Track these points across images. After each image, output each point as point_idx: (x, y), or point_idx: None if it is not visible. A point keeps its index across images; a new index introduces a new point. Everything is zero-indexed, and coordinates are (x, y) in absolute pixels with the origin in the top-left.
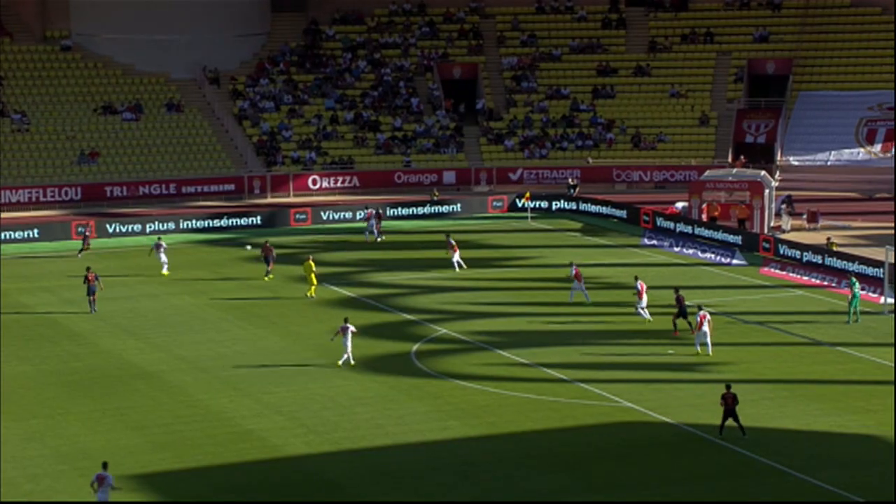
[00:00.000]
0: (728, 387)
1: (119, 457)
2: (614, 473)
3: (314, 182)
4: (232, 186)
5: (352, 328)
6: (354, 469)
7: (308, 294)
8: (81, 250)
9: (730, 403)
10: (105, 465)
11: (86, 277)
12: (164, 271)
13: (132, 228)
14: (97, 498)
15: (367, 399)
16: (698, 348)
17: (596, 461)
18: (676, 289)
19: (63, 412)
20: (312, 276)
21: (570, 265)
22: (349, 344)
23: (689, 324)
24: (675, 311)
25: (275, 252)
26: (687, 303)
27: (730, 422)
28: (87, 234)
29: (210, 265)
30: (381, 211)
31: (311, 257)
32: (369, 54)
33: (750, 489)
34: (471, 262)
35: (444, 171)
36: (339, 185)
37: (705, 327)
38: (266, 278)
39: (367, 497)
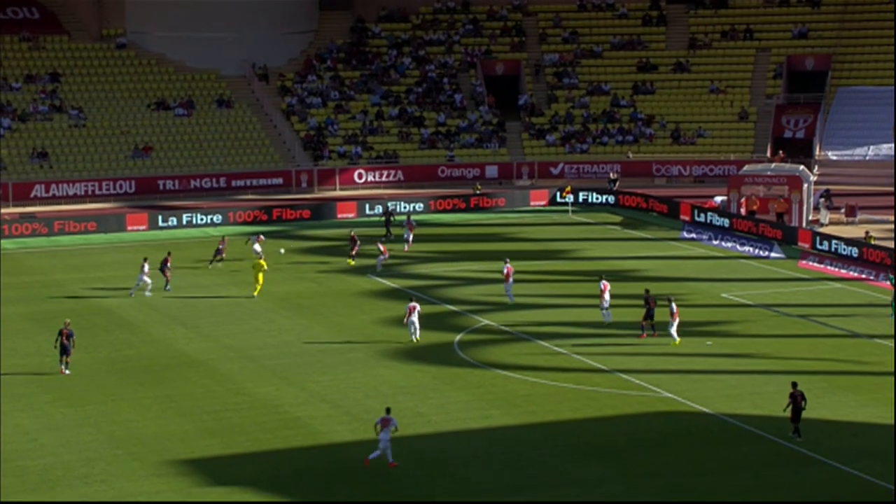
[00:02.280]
0: (794, 385)
1: (169, 442)
2: (652, 462)
3: (360, 176)
4: (280, 180)
5: (418, 308)
6: (397, 456)
7: (253, 294)
8: (213, 261)
9: (799, 401)
10: (388, 410)
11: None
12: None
13: (184, 220)
14: (379, 438)
15: (409, 388)
16: (675, 339)
17: (634, 450)
18: (647, 290)
19: (116, 398)
20: (260, 276)
21: (505, 261)
22: (416, 324)
23: (652, 326)
24: (644, 310)
25: (358, 242)
26: (673, 295)
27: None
28: (221, 246)
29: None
30: (389, 207)
31: (262, 258)
32: (414, 51)
33: (786, 478)
34: (512, 255)
35: (486, 166)
36: (384, 179)
37: (676, 320)
38: (350, 262)
39: (409, 484)
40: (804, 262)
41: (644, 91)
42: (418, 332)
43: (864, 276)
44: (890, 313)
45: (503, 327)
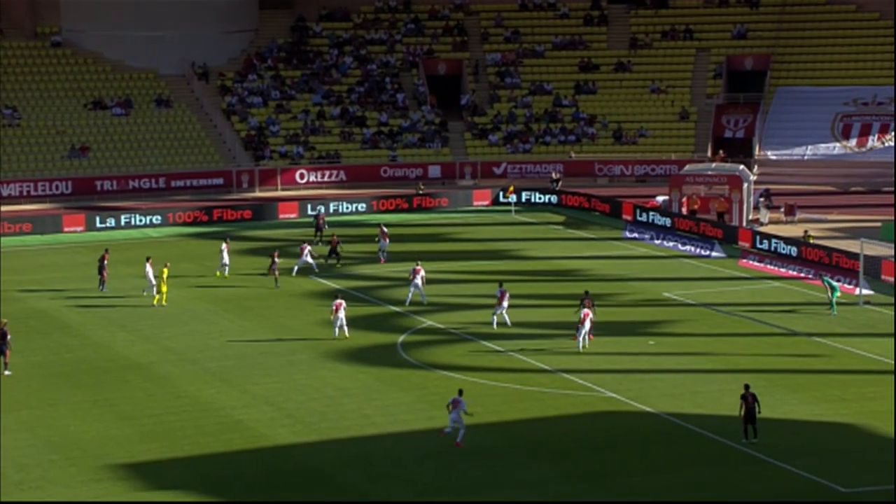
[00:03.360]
0: (747, 387)
1: (108, 447)
2: (596, 463)
3: (301, 176)
4: (220, 181)
5: (344, 304)
6: (341, 458)
7: (157, 302)
8: (269, 273)
9: (750, 403)
10: (461, 392)
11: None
12: (223, 273)
13: (122, 221)
14: (450, 418)
15: (353, 390)
16: (580, 344)
17: (578, 450)
18: (586, 292)
19: (53, 403)
20: (163, 283)
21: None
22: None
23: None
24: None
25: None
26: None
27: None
28: (275, 262)
29: (198, 258)
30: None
31: (168, 264)
32: (355, 50)
33: (729, 477)
34: (456, 256)
35: (429, 166)
36: (326, 179)
37: (587, 324)
38: (337, 266)
39: (353, 486)
40: (744, 261)
41: (586, 91)
42: (346, 329)
43: (802, 274)
44: (831, 311)
45: (447, 328)
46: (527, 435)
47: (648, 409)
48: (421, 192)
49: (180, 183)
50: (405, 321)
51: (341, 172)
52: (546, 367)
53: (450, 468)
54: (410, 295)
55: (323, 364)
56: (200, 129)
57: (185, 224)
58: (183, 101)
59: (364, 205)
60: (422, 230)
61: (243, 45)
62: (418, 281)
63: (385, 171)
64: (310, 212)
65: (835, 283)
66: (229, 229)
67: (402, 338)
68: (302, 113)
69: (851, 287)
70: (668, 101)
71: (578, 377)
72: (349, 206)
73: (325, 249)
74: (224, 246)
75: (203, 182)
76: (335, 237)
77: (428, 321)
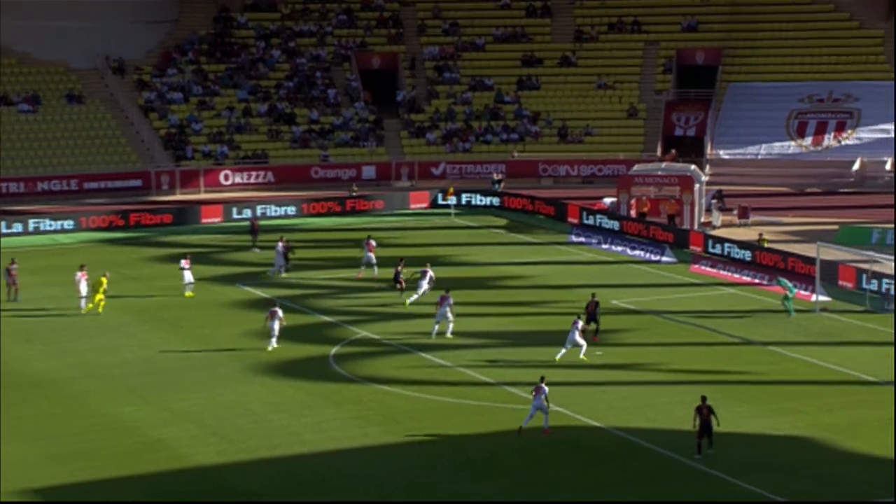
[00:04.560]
0: (703, 399)
1: (15, 470)
2: (542, 479)
3: (226, 177)
4: (138, 182)
5: (279, 313)
6: (269, 479)
7: (96, 310)
8: (396, 287)
9: (706, 416)
10: (542, 378)
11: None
12: (188, 293)
13: (31, 226)
14: (532, 406)
15: (282, 405)
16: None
17: (522, 468)
18: (593, 293)
19: None
20: (101, 293)
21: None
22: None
23: (597, 330)
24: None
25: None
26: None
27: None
28: (400, 268)
29: (114, 266)
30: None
31: (107, 273)
32: (283, 43)
33: (680, 495)
34: (392, 262)
35: (363, 166)
36: (252, 180)
37: (446, 308)
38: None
39: None
40: (696, 266)
41: (529, 86)
42: (275, 339)
43: (757, 280)
44: (787, 310)
45: (382, 339)
46: (467, 452)
47: (596, 423)
48: (354, 194)
49: (94, 185)
50: (337, 332)
51: (269, 173)
52: (488, 380)
53: (385, 487)
54: (437, 326)
55: (249, 378)
56: (116, 127)
57: (99, 229)
58: (96, 96)
59: (293, 208)
60: (355, 235)
61: (161, 36)
62: (446, 309)
63: (316, 172)
64: (237, 215)
65: (791, 285)
66: (147, 234)
67: (334, 349)
68: (226, 110)
69: (808, 293)
70: (616, 98)
71: (522, 390)
72: (278, 209)
73: (264, 256)
74: (184, 262)
75: (119, 184)
76: (288, 242)
77: (362, 332)
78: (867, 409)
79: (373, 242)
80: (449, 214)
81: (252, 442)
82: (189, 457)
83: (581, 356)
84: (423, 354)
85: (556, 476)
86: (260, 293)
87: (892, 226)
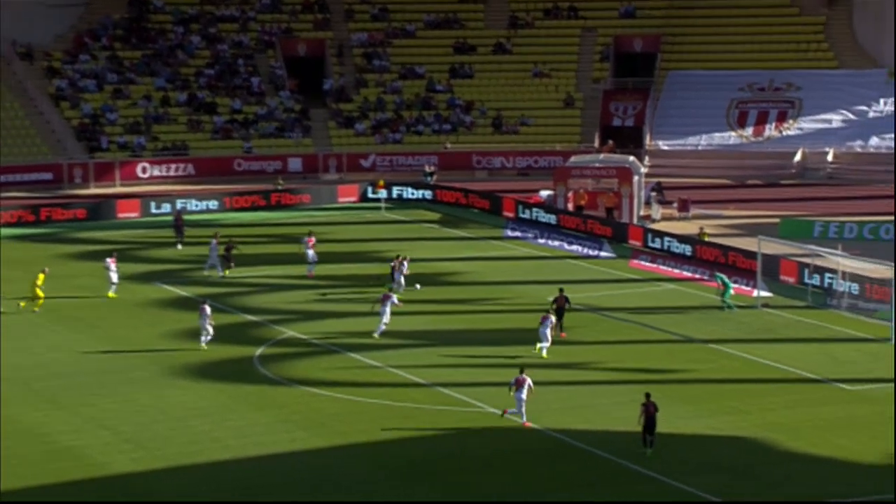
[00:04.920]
0: (648, 396)
1: None
2: (477, 484)
3: (143, 170)
4: (49, 175)
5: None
6: (189, 487)
7: (33, 307)
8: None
9: (651, 412)
10: (522, 370)
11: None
12: (111, 293)
13: None
14: (514, 397)
15: (203, 410)
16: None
17: (457, 472)
18: (561, 288)
19: None
20: (38, 290)
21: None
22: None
23: (560, 326)
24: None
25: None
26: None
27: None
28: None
29: (24, 264)
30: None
31: (46, 270)
32: (203, 28)
33: (619, 497)
34: (320, 258)
35: (288, 158)
36: (171, 173)
37: (387, 308)
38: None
39: None
40: (635, 261)
41: (462, 75)
42: (208, 337)
43: (697, 275)
44: (727, 306)
45: (309, 339)
46: (399, 456)
47: (534, 425)
48: (280, 187)
49: (2, 178)
50: (262, 332)
51: (189, 166)
52: (420, 381)
53: (314, 494)
54: (383, 326)
55: (168, 381)
56: (24, 117)
57: (7, 225)
58: (2, 84)
59: (215, 202)
60: (281, 230)
61: (72, 20)
62: (387, 308)
63: (239, 165)
64: (155, 210)
65: (728, 281)
66: (59, 230)
67: (259, 350)
68: (143, 99)
69: (749, 289)
70: (552, 87)
71: (456, 391)
72: (199, 203)
73: (186, 253)
74: (110, 261)
75: (29, 177)
76: (231, 239)
77: (289, 331)
78: (810, 407)
79: (313, 238)
80: (379, 208)
81: (170, 449)
82: (102, 465)
83: (543, 353)
84: (353, 355)
85: (492, 480)
86: (180, 291)
87: (834, 219)
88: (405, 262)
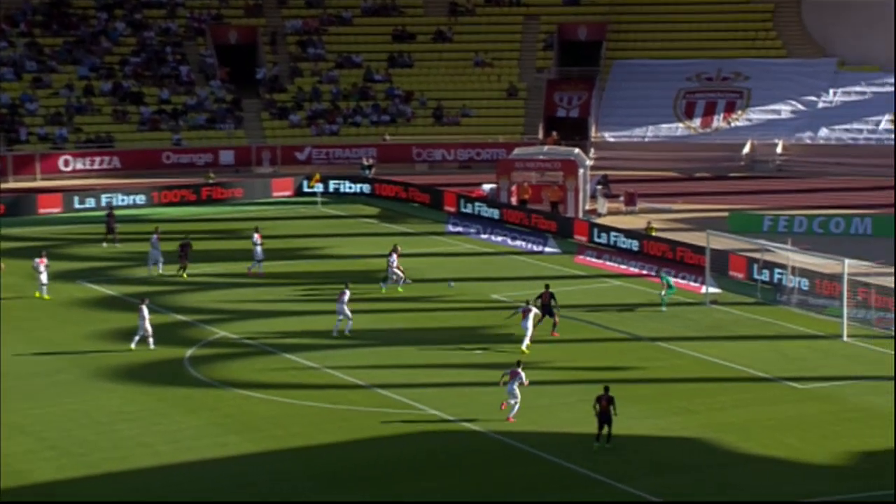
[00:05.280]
0: (606, 389)
1: None
2: (417, 489)
3: (66, 163)
4: None
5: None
6: (116, 495)
7: None
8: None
9: (604, 406)
10: (519, 363)
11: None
12: (41, 293)
13: None
14: (506, 390)
15: (131, 414)
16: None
17: (397, 477)
18: (546, 284)
19: None
20: None
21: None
22: (347, 312)
23: (554, 324)
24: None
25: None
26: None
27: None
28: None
29: None
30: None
31: (1, 265)
32: (129, 14)
33: (564, 501)
34: (248, 254)
35: (220, 151)
36: (96, 166)
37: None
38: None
39: None
40: (581, 257)
41: (401, 64)
42: (150, 339)
43: (645, 271)
44: (662, 305)
45: (242, 339)
46: (336, 461)
47: (476, 427)
48: (211, 181)
49: None
50: (193, 332)
51: (115, 159)
52: (358, 382)
53: (247, 500)
54: (338, 324)
55: (95, 384)
56: None
57: None
58: None
59: (143, 197)
60: (212, 226)
61: None
62: (343, 305)
63: (168, 158)
64: (79, 205)
65: (671, 281)
66: None
67: (189, 352)
68: (65, 88)
69: (697, 285)
70: (494, 76)
71: (396, 393)
72: (125, 198)
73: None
74: (39, 261)
75: None
76: (186, 237)
77: (221, 331)
78: (760, 406)
79: (260, 234)
80: (315, 203)
81: (96, 455)
82: (24, 473)
83: (523, 347)
84: (288, 355)
85: (434, 486)
86: (106, 290)
87: (784, 213)
88: (394, 255)
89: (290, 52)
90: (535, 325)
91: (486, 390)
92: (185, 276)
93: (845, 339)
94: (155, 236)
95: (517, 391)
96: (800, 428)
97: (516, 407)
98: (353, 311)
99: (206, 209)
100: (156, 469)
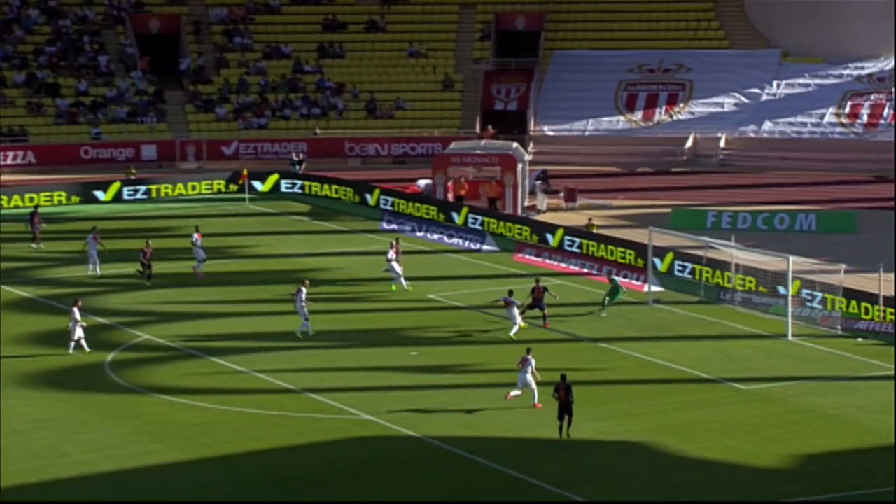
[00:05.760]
0: (563, 377)
1: None
2: (351, 497)
3: None
4: None
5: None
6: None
7: None
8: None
9: (563, 396)
10: (529, 350)
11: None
12: None
13: None
14: (518, 378)
15: (48, 422)
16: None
17: (330, 484)
18: (538, 279)
19: None
20: None
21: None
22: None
23: (545, 317)
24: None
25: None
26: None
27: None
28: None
29: None
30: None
31: None
32: (43, 1)
33: None
34: (177, 254)
35: (142, 145)
36: (10, 161)
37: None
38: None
39: None
40: (520, 255)
41: (332, 54)
42: (82, 341)
43: (586, 270)
44: (603, 309)
45: (166, 342)
46: (266, 468)
47: (412, 433)
48: (132, 177)
49: None
50: (114, 335)
51: (29, 153)
52: (289, 387)
53: None
54: (306, 323)
55: (9, 391)
56: None
57: None
58: None
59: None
60: (134, 224)
61: None
62: (301, 304)
63: (86, 152)
64: None
65: (619, 284)
66: None
67: (110, 356)
68: None
69: (639, 284)
70: (430, 67)
71: (328, 397)
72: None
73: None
74: None
75: None
76: (148, 244)
77: (144, 334)
78: (703, 409)
79: (200, 234)
80: (243, 200)
81: (11, 466)
82: None
83: (511, 333)
84: (215, 359)
85: (367, 492)
86: (21, 293)
87: (727, 209)
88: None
89: (215, 42)
90: (521, 314)
91: (421, 394)
92: (148, 284)
93: (790, 338)
94: (91, 236)
95: (529, 378)
96: (744, 430)
97: (535, 392)
98: (278, 313)
99: (126, 206)
100: (75, 480)
